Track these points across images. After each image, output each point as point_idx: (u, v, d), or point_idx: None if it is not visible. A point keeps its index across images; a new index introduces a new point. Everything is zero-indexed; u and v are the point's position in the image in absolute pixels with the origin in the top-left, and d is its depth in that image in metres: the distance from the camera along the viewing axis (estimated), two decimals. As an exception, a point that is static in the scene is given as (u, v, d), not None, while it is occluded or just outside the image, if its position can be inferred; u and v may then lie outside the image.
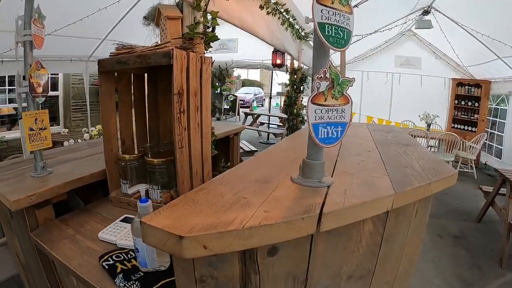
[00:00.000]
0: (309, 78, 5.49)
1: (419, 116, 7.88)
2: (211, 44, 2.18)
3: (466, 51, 7.60)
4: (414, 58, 9.03)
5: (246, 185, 1.12)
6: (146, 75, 2.04)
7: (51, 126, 6.03)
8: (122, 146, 1.98)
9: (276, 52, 5.17)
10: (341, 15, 1.02)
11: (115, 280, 1.19)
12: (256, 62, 7.99)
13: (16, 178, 1.79)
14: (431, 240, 4.17)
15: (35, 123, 1.85)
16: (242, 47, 7.77)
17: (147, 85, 2.04)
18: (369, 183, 1.15)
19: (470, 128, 8.46)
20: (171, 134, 2.07)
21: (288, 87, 5.04)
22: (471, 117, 8.46)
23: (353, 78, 1.07)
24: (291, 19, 4.17)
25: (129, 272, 1.23)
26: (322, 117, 1.03)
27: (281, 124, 11.26)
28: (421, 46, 8.92)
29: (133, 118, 2.05)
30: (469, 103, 8.50)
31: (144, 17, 2.30)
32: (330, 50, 1.04)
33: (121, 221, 1.63)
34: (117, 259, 1.32)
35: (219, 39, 2.20)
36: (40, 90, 1.90)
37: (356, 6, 4.60)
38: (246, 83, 30.52)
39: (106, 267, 1.26)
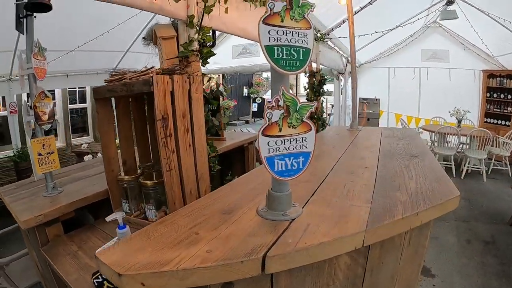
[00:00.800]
0: (328, 80, 5.36)
1: (449, 112, 7.49)
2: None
3: (495, 40, 7.20)
4: (441, 50, 8.59)
5: (207, 217, 1.12)
6: (145, 96, 2.06)
7: (81, 137, 6.30)
8: (124, 166, 2.02)
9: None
10: (294, 33, 0.95)
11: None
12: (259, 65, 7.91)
13: (29, 198, 1.96)
14: (458, 245, 3.96)
15: (43, 148, 1.96)
16: (265, 51, 7.57)
17: (147, 105, 2.06)
18: (342, 215, 1.08)
19: (504, 122, 7.98)
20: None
21: (308, 90, 4.92)
22: (504, 111, 7.98)
23: (315, 102, 0.99)
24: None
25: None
26: (277, 149, 0.96)
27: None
28: (448, 38, 8.48)
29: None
30: (502, 96, 8.02)
31: (143, 38, 2.33)
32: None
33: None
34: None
35: (215, 54, 2.19)
36: (45, 117, 2.01)
37: (370, 3, 4.46)
38: (274, 84, 30.53)
39: (96, 284, 1.34)
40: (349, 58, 6.95)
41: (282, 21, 0.92)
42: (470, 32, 7.34)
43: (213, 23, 2.26)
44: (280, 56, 0.93)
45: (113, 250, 0.91)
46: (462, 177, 6.59)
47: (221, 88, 10.22)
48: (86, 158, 4.39)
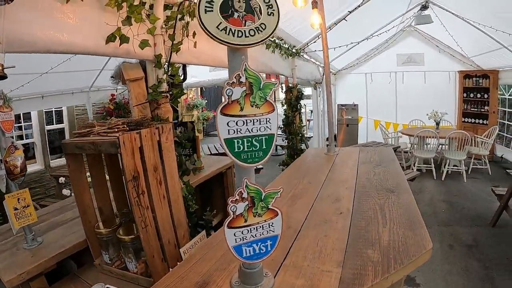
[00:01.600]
0: (304, 94, 5.40)
1: (427, 114, 7.66)
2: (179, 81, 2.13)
3: (469, 41, 7.36)
4: (417, 54, 8.79)
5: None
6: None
7: (60, 158, 6.14)
8: (101, 215, 1.99)
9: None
10: (255, 120, 0.92)
11: None
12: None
13: (10, 250, 1.93)
14: (441, 251, 4.00)
15: (18, 202, 1.91)
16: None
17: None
18: (314, 286, 1.08)
19: (481, 121, 8.19)
20: None
21: (285, 105, 4.96)
22: (481, 110, 8.20)
23: (280, 188, 0.97)
24: (277, 41, 4.10)
25: None
26: (244, 238, 0.95)
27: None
28: (423, 41, 8.67)
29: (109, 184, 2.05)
30: (478, 95, 8.25)
31: (112, 77, 2.29)
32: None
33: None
34: None
35: (185, 93, 2.17)
36: (17, 171, 1.96)
37: (344, 19, 4.50)
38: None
39: None
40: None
41: (242, 109, 0.89)
42: (444, 35, 7.50)
43: (183, 58, 2.25)
44: (241, 149, 0.90)
45: None
46: (442, 178, 6.71)
47: (198, 100, 10.26)
48: (64, 192, 4.28)
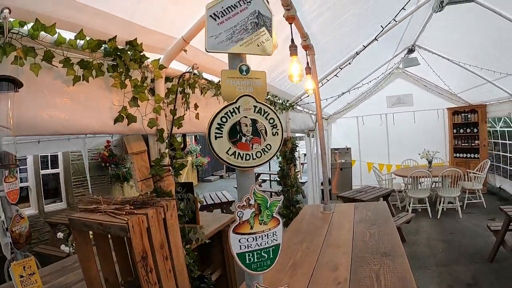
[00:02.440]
0: (299, 146, 5.55)
1: (419, 154, 7.87)
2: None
3: (456, 79, 7.69)
4: (405, 95, 9.11)
5: None
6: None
7: (54, 202, 6.08)
8: (106, 284, 2.02)
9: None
10: (264, 236, 1.01)
11: None
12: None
13: None
14: (441, 293, 4.02)
15: (24, 270, 1.96)
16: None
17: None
18: None
19: (473, 155, 8.42)
20: None
21: (280, 158, 5.08)
22: (472, 144, 8.45)
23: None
24: (271, 98, 4.27)
25: None
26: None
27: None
28: (411, 82, 9.02)
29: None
30: (468, 130, 8.51)
31: (114, 146, 2.40)
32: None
33: None
34: None
35: (186, 166, 2.28)
36: (23, 240, 2.01)
37: (336, 75, 4.69)
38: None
39: None
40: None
41: (252, 227, 0.98)
42: (431, 74, 7.80)
43: (183, 129, 2.35)
44: (252, 261, 0.99)
45: None
46: (438, 216, 6.78)
47: (192, 146, 10.41)
48: (63, 248, 4.26)
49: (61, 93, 1.56)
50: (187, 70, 2.33)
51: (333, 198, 8.94)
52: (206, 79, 2.65)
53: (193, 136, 14.15)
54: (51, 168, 7.72)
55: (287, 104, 4.84)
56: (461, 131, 8.67)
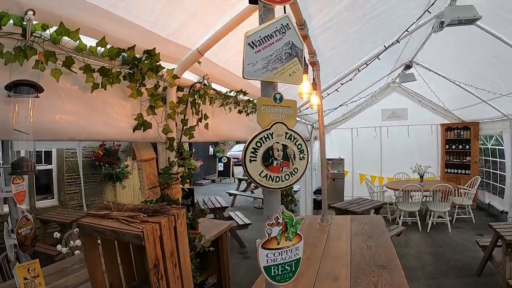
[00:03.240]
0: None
1: (411, 168, 8.00)
2: None
3: (450, 97, 7.87)
4: (400, 109, 9.25)
5: None
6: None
7: (45, 199, 5.96)
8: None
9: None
10: (288, 251, 1.08)
11: None
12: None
13: None
14: (429, 305, 4.11)
15: (28, 272, 1.96)
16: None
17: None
18: None
19: (464, 171, 8.61)
20: None
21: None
22: (464, 160, 8.63)
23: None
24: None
25: None
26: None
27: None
28: (406, 96, 9.16)
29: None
30: (460, 146, 8.71)
31: (121, 151, 2.43)
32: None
33: None
34: None
35: (193, 175, 2.32)
36: (28, 242, 2.02)
37: (336, 90, 4.78)
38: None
39: None
40: (314, 125, 7.30)
41: (278, 243, 1.05)
42: (427, 90, 7.94)
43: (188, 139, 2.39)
44: (276, 273, 1.06)
45: None
46: (428, 230, 6.90)
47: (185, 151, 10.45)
48: (59, 248, 4.22)
49: (79, 99, 1.57)
50: (198, 80, 2.38)
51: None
52: (214, 89, 2.69)
53: None
54: (44, 163, 7.65)
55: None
56: (453, 147, 8.85)
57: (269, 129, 1.06)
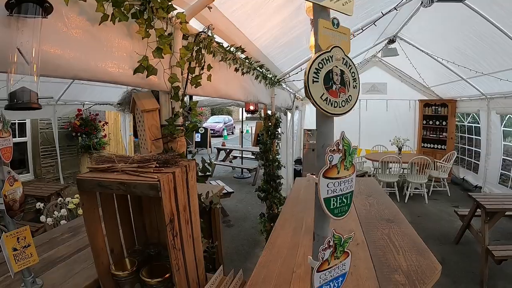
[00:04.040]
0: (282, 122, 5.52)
1: (390, 140, 8.10)
2: None
3: (431, 73, 7.93)
4: (380, 84, 9.26)
5: None
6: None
7: (20, 173, 5.50)
8: (112, 255, 1.85)
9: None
10: (345, 181, 1.01)
11: None
12: (228, 101, 7.97)
13: None
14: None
15: (18, 242, 1.71)
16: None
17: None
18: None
19: (440, 147, 8.82)
20: (158, 232, 1.99)
21: (263, 133, 5.00)
22: (440, 136, 8.83)
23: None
24: (264, 72, 4.16)
25: None
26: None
27: (253, 156, 11.12)
28: (387, 71, 9.19)
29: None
30: (437, 122, 8.88)
31: (118, 104, 2.20)
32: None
33: None
34: None
35: (199, 127, 2.14)
36: (16, 206, 1.75)
37: None
38: (215, 111, 30.54)
39: None
40: (296, 94, 7.19)
41: (338, 172, 0.98)
42: (407, 66, 7.97)
43: (192, 90, 2.20)
44: (335, 206, 0.99)
45: None
46: (405, 201, 7.04)
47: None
48: (43, 219, 3.89)
49: (85, 32, 1.34)
50: (203, 30, 2.17)
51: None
52: (217, 42, 2.49)
53: None
54: (18, 137, 7.16)
55: (275, 80, 4.75)
56: (431, 122, 9.01)
57: (329, 51, 0.97)
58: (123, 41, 1.55)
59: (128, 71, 1.58)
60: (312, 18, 1.01)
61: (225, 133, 23.32)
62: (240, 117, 12.93)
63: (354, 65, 1.06)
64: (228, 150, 12.21)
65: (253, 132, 14.78)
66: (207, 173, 2.46)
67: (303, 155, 9.43)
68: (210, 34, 2.21)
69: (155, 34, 1.65)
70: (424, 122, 9.15)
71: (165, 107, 2.02)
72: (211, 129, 17.06)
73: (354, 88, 1.06)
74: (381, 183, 7.19)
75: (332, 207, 0.99)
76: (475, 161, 8.13)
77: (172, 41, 1.87)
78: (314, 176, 0.95)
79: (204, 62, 2.19)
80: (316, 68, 0.94)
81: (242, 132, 12.77)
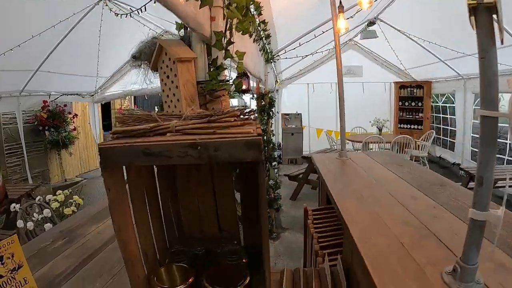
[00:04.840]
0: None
1: (370, 122, 7.92)
2: None
3: (409, 55, 7.76)
4: (356, 66, 8.94)
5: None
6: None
7: None
8: (146, 262, 1.22)
9: (241, 76, 4.59)
10: None
11: None
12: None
13: None
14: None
15: (1, 263, 1.04)
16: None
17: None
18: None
19: (417, 127, 8.74)
20: (200, 222, 1.43)
21: (257, 112, 4.49)
22: (416, 116, 8.77)
23: None
24: (267, 45, 3.64)
25: None
26: None
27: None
28: (363, 54, 8.91)
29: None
30: (413, 104, 8.78)
31: (133, 57, 1.59)
32: None
33: None
34: None
35: (242, 86, 1.58)
36: None
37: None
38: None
39: None
40: (278, 76, 6.72)
41: None
42: (383, 49, 7.76)
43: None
44: None
45: None
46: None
47: (133, 111, 9.55)
48: (19, 224, 2.92)
49: None
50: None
51: (283, 163, 8.68)
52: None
53: (132, 98, 12.43)
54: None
55: (271, 55, 4.25)
56: (406, 104, 8.90)
57: None
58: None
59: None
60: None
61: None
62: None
63: None
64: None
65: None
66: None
67: (282, 140, 8.99)
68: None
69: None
70: (400, 103, 9.01)
71: (201, 58, 1.46)
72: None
73: None
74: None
75: None
76: (451, 140, 8.10)
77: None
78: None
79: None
80: None
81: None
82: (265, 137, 4.47)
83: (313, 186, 5.82)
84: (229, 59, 1.48)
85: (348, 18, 3.77)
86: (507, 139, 6.19)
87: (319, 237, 1.88)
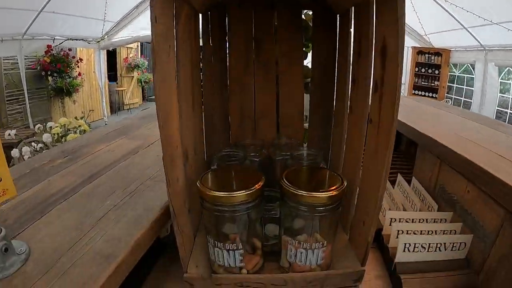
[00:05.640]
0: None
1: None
2: None
3: (432, 20, 7.19)
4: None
5: None
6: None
7: None
8: (186, 163, 0.76)
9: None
10: None
11: None
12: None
13: None
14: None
15: None
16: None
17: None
18: None
19: (431, 94, 8.27)
20: (255, 122, 0.99)
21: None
22: (432, 84, 8.30)
23: None
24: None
25: None
26: None
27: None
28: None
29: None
30: (429, 71, 8.30)
31: None
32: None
33: None
34: None
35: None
36: None
37: None
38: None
39: None
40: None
41: None
42: (406, 10, 7.18)
43: None
44: None
45: None
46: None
47: (140, 60, 8.77)
48: (14, 153, 2.45)
49: None
50: None
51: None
52: None
53: (139, 48, 11.43)
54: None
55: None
56: (423, 70, 8.42)
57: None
58: None
59: None
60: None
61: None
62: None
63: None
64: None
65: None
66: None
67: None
68: None
69: None
70: (416, 69, 8.53)
71: None
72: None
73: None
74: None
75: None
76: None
77: None
78: None
79: None
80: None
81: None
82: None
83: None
84: None
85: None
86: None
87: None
